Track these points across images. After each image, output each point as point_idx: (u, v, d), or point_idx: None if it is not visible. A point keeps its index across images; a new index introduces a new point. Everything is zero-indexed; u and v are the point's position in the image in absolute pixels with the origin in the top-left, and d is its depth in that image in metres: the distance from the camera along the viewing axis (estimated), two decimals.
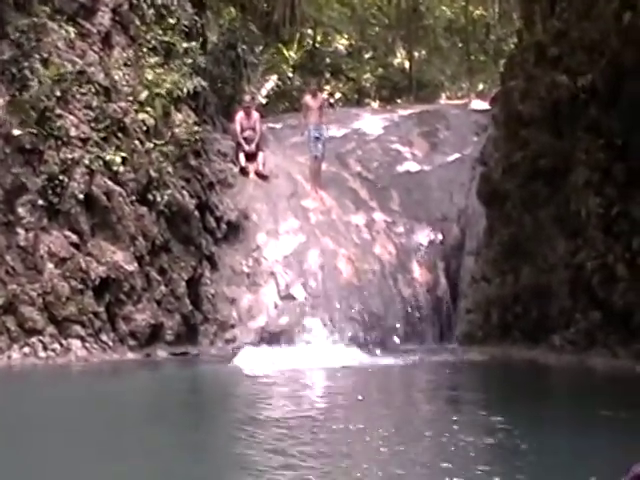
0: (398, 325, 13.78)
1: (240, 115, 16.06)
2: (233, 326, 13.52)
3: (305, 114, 16.01)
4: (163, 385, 10.18)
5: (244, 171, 15.60)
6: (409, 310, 13.99)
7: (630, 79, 10.95)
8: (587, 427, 6.98)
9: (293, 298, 13.74)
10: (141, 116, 13.53)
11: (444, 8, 25.20)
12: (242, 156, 15.72)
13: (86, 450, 6.36)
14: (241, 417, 7.83)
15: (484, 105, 17.51)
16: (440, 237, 14.95)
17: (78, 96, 12.90)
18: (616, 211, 11.16)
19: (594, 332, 11.08)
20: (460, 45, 24.85)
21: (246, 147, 15.68)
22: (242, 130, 15.89)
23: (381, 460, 6.08)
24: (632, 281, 10.63)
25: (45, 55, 12.77)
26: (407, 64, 23.65)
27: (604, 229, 11.24)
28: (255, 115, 16.21)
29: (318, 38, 23.04)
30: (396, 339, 13.56)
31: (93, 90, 13.02)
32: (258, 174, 15.66)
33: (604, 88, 11.37)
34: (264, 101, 19.33)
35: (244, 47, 18.04)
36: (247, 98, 16.74)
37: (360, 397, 9.06)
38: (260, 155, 15.83)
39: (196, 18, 15.45)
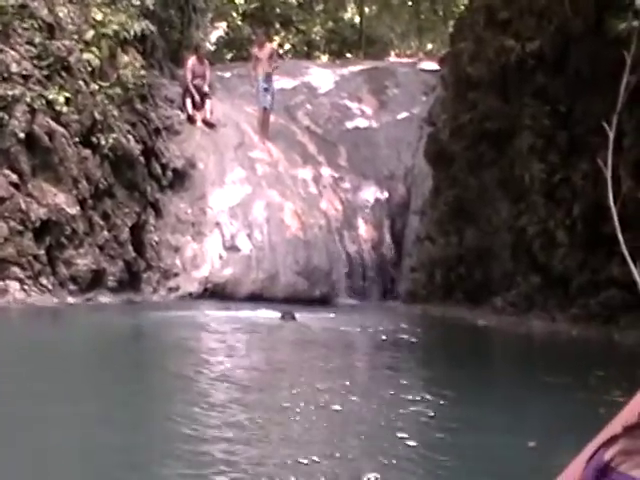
0: (343, 281, 13.91)
1: (192, 61, 15.69)
2: (176, 275, 13.41)
3: (254, 65, 15.78)
4: (102, 330, 10.05)
5: (191, 119, 15.32)
6: (354, 266, 14.12)
7: (576, 47, 11.09)
8: (523, 391, 7.05)
9: (238, 249, 13.69)
10: (86, 56, 13.13)
11: None
12: (189, 103, 15.43)
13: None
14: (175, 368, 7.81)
15: (433, 65, 17.55)
16: (386, 195, 15.04)
17: (20, 31, 12.42)
18: (558, 178, 11.38)
19: (533, 295, 11.36)
20: (410, 3, 24.77)
21: (196, 95, 15.39)
22: (193, 77, 15.56)
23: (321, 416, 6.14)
24: (571, 247, 10.89)
25: None
26: (357, 19, 23.48)
27: (546, 195, 11.46)
28: (206, 62, 15.91)
29: None
30: (340, 295, 13.70)
31: (36, 26, 12.55)
32: (206, 122, 15.41)
33: (551, 55, 11.50)
34: (212, 48, 18.96)
35: None
36: (201, 44, 16.37)
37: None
38: (208, 103, 15.57)
39: None
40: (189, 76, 15.49)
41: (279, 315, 11.16)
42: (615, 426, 0.80)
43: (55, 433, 5.23)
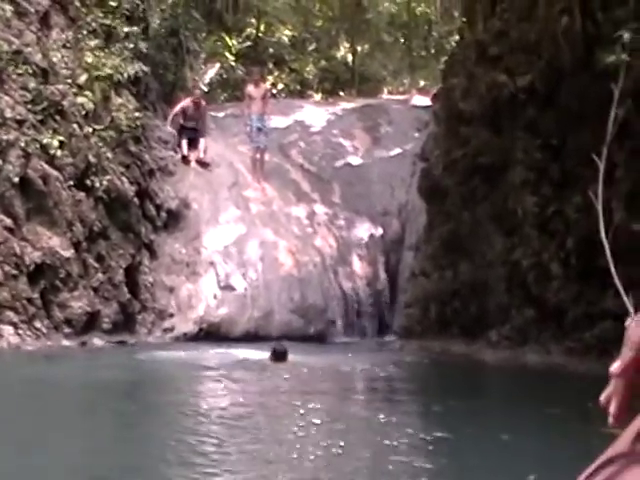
0: (338, 318, 13.87)
1: (185, 102, 15.78)
2: (172, 315, 13.39)
3: (248, 104, 15.90)
4: (96, 372, 10.00)
5: (186, 159, 15.40)
6: (349, 303, 14.09)
7: (566, 82, 11.21)
8: (521, 424, 7.08)
9: (233, 288, 13.68)
10: (80, 100, 13.27)
11: (387, 4, 25.30)
12: (184, 144, 15.52)
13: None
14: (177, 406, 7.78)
15: (425, 101, 17.68)
16: (380, 231, 15.07)
17: (14, 76, 12.57)
18: (551, 210, 11.41)
19: (528, 329, 11.32)
20: (402, 41, 25.02)
21: (171, 129, 15.45)
22: (186, 119, 15.67)
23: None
24: (566, 279, 10.88)
25: None
26: (350, 57, 23.71)
27: (539, 228, 11.49)
28: (202, 105, 16.04)
29: (261, 28, 22.88)
30: (336, 332, 13.65)
31: (30, 71, 12.71)
32: (199, 162, 15.50)
33: (542, 89, 11.61)
34: (206, 89, 19.14)
35: (186, 34, 17.79)
36: (197, 92, 16.47)
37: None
38: (202, 142, 15.65)
39: (138, 2, 15.22)
40: (176, 110, 15.53)
41: (268, 355, 10.52)
42: (606, 456, 0.80)
43: None
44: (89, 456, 5.76)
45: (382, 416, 7.45)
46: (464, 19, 15.34)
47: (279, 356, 10.35)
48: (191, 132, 15.58)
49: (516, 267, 11.57)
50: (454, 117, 13.39)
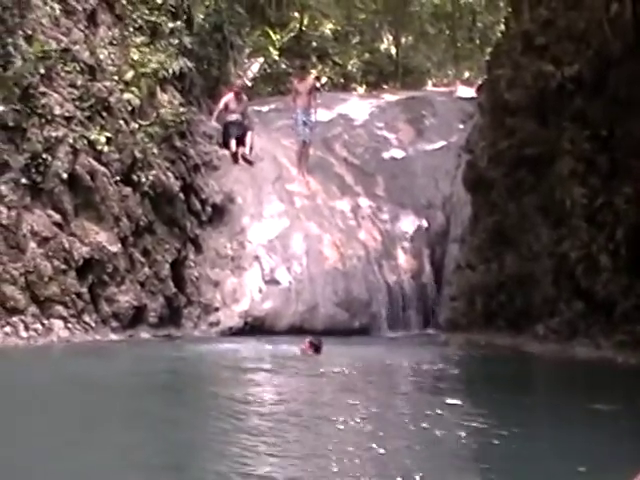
0: (383, 311, 13.85)
1: (229, 97, 15.88)
2: (217, 309, 13.51)
3: (294, 98, 15.97)
4: (146, 365, 10.12)
5: (235, 157, 15.42)
6: (394, 297, 14.07)
7: (616, 70, 10.99)
8: (571, 417, 6.99)
9: (277, 282, 13.75)
10: (126, 96, 13.42)
11: None
12: (233, 143, 15.53)
13: (69, 430, 6.32)
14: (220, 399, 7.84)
15: (470, 92, 17.52)
16: (425, 224, 15.03)
17: (62, 74, 12.75)
18: (600, 202, 11.22)
19: (577, 322, 11.16)
20: (447, 32, 24.86)
21: (213, 121, 15.50)
22: (227, 112, 15.75)
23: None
24: (615, 272, 10.70)
25: (29, 32, 12.59)
26: (394, 50, 23.64)
27: (588, 219, 11.31)
28: (244, 99, 16.13)
29: (305, 22, 22.92)
30: (380, 326, 13.64)
31: (78, 68, 12.88)
32: (244, 158, 15.56)
33: (590, 79, 11.41)
34: (250, 84, 19.25)
35: (230, 29, 17.88)
36: (238, 82, 16.58)
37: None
38: (249, 135, 15.68)
39: None
40: (220, 107, 15.61)
41: (300, 348, 10.68)
42: None
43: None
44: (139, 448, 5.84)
45: (424, 412, 7.41)
46: (510, 9, 15.16)
47: (315, 349, 10.55)
48: (238, 127, 15.60)
49: (564, 259, 11.41)
50: (499, 108, 13.25)
